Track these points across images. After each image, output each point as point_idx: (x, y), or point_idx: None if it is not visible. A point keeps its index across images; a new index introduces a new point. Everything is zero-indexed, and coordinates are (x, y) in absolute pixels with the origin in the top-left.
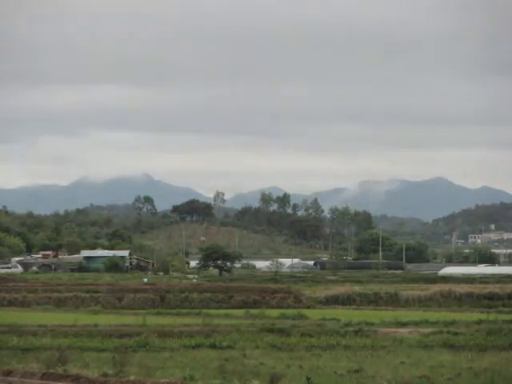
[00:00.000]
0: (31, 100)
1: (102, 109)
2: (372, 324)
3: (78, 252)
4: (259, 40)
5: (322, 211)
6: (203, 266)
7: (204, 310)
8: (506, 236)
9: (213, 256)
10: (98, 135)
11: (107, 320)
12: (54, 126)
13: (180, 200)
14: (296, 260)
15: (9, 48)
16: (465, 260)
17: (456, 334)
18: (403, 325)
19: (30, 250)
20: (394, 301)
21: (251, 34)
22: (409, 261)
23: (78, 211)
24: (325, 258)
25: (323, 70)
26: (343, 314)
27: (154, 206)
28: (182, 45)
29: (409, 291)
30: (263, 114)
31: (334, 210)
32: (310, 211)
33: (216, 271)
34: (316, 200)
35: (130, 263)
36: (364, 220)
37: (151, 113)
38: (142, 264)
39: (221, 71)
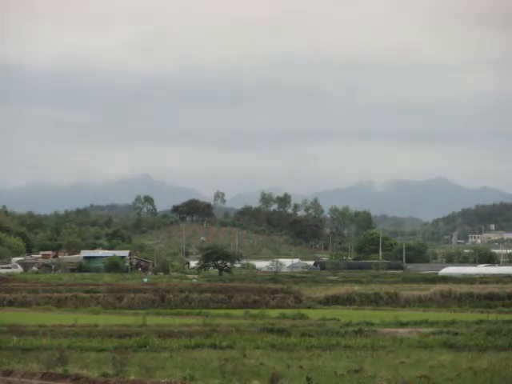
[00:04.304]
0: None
1: None
2: (372, 324)
3: (77, 252)
4: None
5: (322, 211)
6: (203, 265)
7: (204, 310)
8: (506, 236)
9: (213, 256)
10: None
11: (107, 320)
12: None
13: (180, 200)
14: (296, 260)
15: None
16: (465, 260)
17: (456, 334)
18: (403, 325)
19: (30, 250)
20: (393, 301)
21: None
22: (409, 261)
23: (78, 211)
24: (325, 258)
25: None
26: (343, 314)
27: (154, 206)
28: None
29: (409, 291)
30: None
31: (333, 210)
32: (310, 211)
33: (216, 271)
34: (316, 200)
35: (130, 263)
36: (364, 220)
37: None
38: (141, 264)
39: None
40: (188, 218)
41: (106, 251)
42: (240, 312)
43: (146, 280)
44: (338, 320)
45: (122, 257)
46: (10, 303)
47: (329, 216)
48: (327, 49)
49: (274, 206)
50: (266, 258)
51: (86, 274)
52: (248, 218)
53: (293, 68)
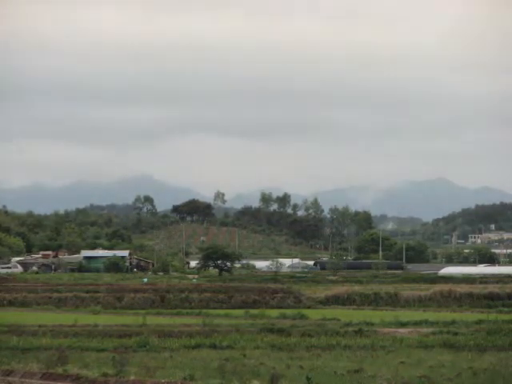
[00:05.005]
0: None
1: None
2: (372, 324)
3: (78, 252)
4: None
5: (322, 211)
6: (203, 265)
7: (204, 310)
8: (506, 236)
9: (213, 256)
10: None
11: (107, 320)
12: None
13: (180, 200)
14: (296, 260)
15: None
16: (465, 260)
17: (456, 333)
18: (403, 325)
19: (30, 250)
20: (393, 301)
21: None
22: (409, 261)
23: (78, 211)
24: (325, 258)
25: None
26: (343, 313)
27: (154, 206)
28: None
29: (409, 291)
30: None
31: (333, 210)
32: (310, 211)
33: (216, 271)
34: (316, 200)
35: (130, 263)
36: (364, 220)
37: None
38: (142, 264)
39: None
40: (188, 218)
41: (106, 251)
42: (240, 312)
43: (145, 280)
44: (338, 320)
45: (122, 257)
46: (10, 303)
47: (329, 216)
48: None
49: (274, 206)
50: (265, 258)
51: (85, 274)
52: (248, 217)
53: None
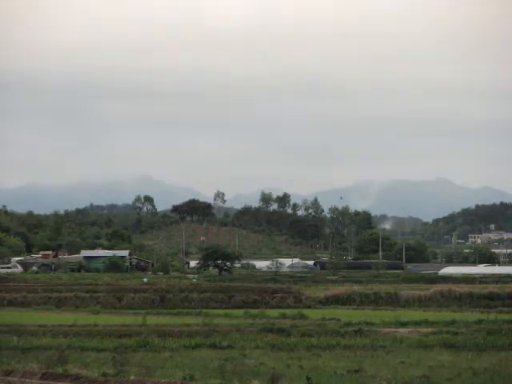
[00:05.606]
0: None
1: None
2: (372, 324)
3: (78, 252)
4: None
5: (322, 211)
6: (203, 265)
7: (204, 310)
8: (506, 236)
9: (213, 256)
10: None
11: (107, 320)
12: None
13: (180, 200)
14: (296, 260)
15: None
16: (465, 260)
17: (456, 333)
18: (403, 325)
19: (30, 250)
20: (393, 301)
21: None
22: (409, 261)
23: (78, 211)
24: (325, 257)
25: None
26: (343, 313)
27: (153, 206)
28: None
29: (409, 291)
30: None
31: (333, 210)
32: (310, 211)
33: (216, 271)
34: (316, 200)
35: (130, 263)
36: (364, 220)
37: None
38: (141, 264)
39: None
40: (188, 218)
41: (106, 251)
42: (240, 312)
43: (145, 280)
44: (338, 320)
45: (122, 257)
46: (10, 303)
47: (329, 216)
48: None
49: (274, 206)
50: (265, 258)
51: (85, 274)
52: (248, 217)
53: None
